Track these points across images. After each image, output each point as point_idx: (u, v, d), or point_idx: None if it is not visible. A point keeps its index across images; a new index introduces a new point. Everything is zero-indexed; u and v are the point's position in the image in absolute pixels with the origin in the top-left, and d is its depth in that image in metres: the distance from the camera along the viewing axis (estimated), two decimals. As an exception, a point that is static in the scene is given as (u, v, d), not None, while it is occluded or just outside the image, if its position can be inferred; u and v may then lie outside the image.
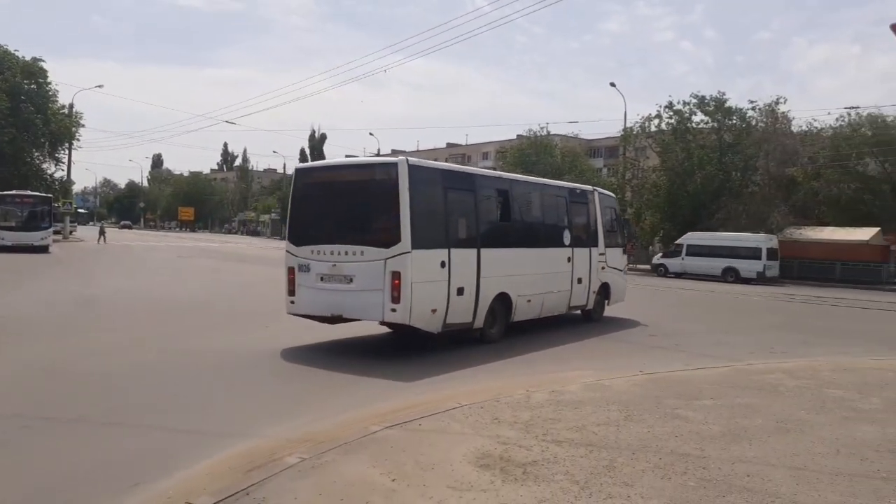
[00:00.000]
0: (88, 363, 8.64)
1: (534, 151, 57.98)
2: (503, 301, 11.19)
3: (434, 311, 9.67)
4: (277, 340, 10.26)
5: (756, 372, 8.81)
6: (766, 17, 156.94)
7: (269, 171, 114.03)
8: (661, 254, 36.35)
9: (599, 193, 14.99)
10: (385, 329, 11.11)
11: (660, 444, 5.48)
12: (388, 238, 9.28)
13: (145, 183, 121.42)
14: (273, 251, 36.76)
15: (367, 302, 9.41)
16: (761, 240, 31.42)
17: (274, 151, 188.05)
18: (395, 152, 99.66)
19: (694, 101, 37.90)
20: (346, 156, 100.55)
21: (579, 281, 13.58)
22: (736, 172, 37.43)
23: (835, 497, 4.46)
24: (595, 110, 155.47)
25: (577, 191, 14.53)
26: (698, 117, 38.26)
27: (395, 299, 9.17)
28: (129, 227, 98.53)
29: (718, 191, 35.82)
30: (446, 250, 9.88)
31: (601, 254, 14.44)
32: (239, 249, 45.54)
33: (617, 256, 15.30)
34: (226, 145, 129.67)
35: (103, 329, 11.31)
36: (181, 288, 19.09)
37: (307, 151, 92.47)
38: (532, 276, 12.00)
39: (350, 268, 9.52)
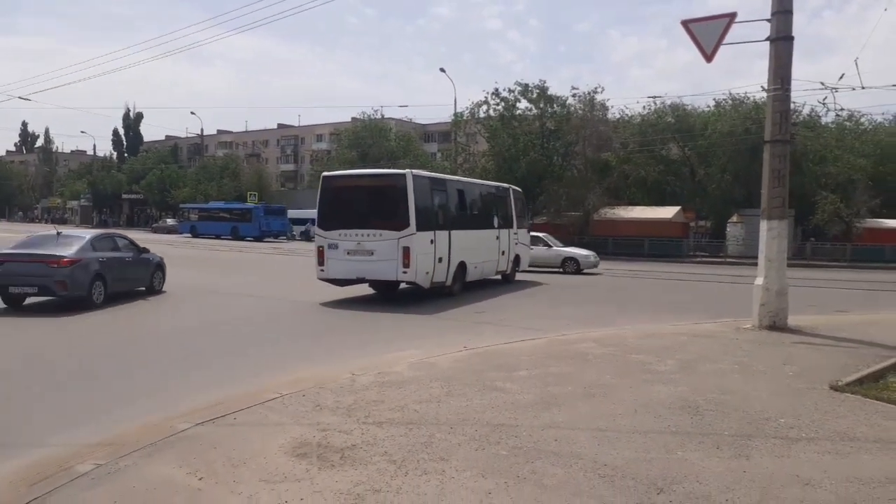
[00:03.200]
0: None
1: (369, 135, 57.77)
2: (462, 267, 16.03)
3: (427, 273, 14.41)
4: (70, 336, 9.35)
5: (570, 342, 9.40)
6: (586, 10, 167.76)
7: (78, 153, 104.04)
8: None
9: (513, 189, 20.48)
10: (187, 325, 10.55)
11: (477, 417, 5.65)
12: (400, 225, 13.96)
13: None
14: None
15: (385, 268, 14.07)
16: None
17: (82, 132, 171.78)
18: (220, 133, 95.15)
19: (518, 88, 39.40)
20: (166, 136, 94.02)
21: (503, 253, 18.71)
22: (557, 157, 39.65)
23: (631, 453, 4.84)
24: (429, 94, 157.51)
25: (501, 188, 20.19)
26: (523, 104, 39.85)
27: (406, 265, 13.90)
28: None
29: (542, 175, 37.75)
30: (433, 232, 14.61)
31: (515, 233, 19.57)
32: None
33: (524, 235, 20.60)
34: (24, 124, 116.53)
35: None
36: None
37: (121, 132, 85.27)
38: (478, 249, 17.00)
39: (371, 245, 14.14)
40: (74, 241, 13.50)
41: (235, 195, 59.53)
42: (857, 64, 27.49)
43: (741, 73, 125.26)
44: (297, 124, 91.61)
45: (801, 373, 7.48)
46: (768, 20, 10.53)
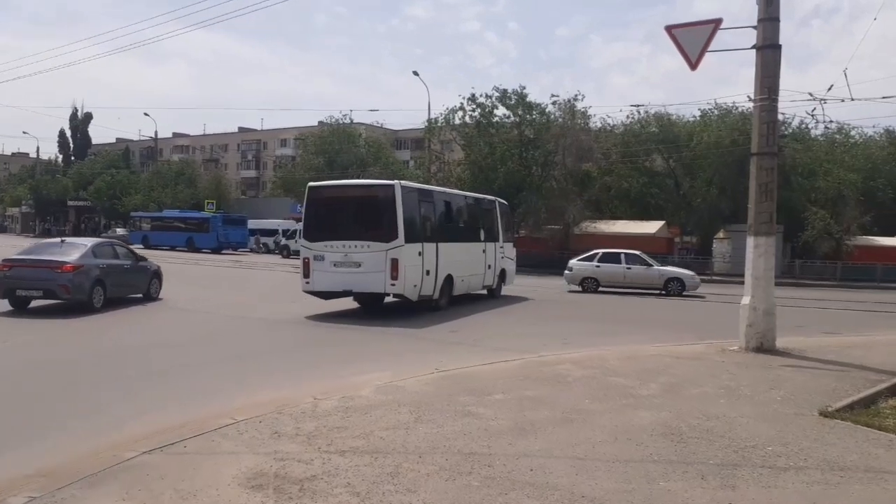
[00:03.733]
0: None
1: (337, 140, 57.69)
2: (449, 281, 16.57)
3: (415, 286, 15.01)
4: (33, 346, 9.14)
5: (547, 364, 9.42)
6: (567, 14, 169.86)
7: (20, 156, 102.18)
8: None
9: (499, 202, 21.07)
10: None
11: (448, 444, 5.61)
12: (388, 236, 14.50)
13: None
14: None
15: (373, 280, 14.57)
16: None
17: (24, 132, 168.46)
18: (176, 136, 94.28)
19: (496, 94, 39.60)
20: (117, 139, 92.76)
21: (489, 267, 19.33)
22: (536, 168, 39.86)
23: (611, 484, 4.84)
24: (402, 99, 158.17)
25: (487, 200, 20.87)
26: (500, 111, 40.03)
27: (394, 277, 14.44)
28: None
29: (520, 186, 37.88)
30: (421, 244, 15.21)
31: (501, 247, 20.29)
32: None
33: (510, 249, 21.33)
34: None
35: None
36: None
37: (68, 133, 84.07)
38: (465, 262, 17.56)
39: (359, 256, 14.62)
40: (77, 248, 15.42)
41: (192, 203, 58.96)
42: (846, 75, 28.31)
43: (728, 82, 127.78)
44: (259, 128, 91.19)
45: (789, 398, 7.58)
46: (754, 27, 10.76)
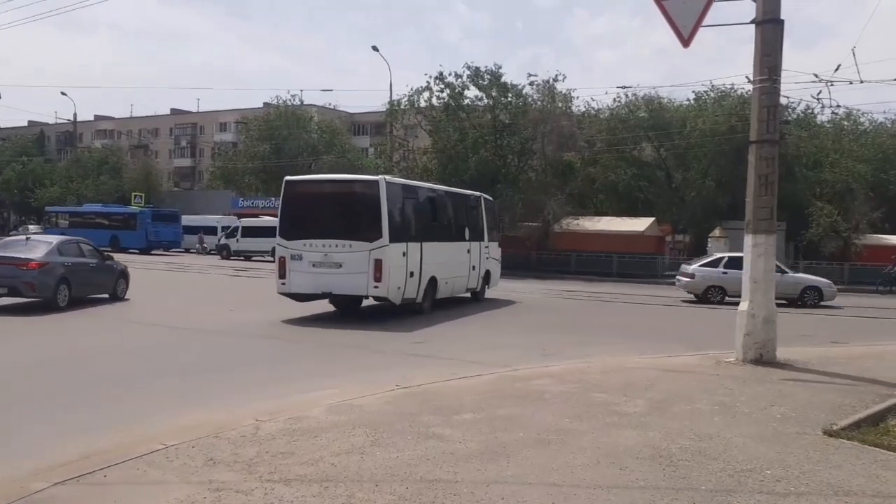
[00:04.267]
0: None
1: (285, 124, 57.35)
2: (433, 283, 17.27)
3: (399, 288, 15.68)
4: None
5: (522, 378, 9.47)
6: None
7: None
8: None
9: (484, 198, 21.87)
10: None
11: (408, 471, 5.61)
12: (372, 235, 15.09)
13: None
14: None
15: (355, 282, 15.21)
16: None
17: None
18: (98, 119, 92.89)
19: (467, 72, 39.48)
20: (29, 122, 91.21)
21: (473, 268, 20.08)
22: (512, 157, 39.97)
23: (591, 513, 4.88)
24: (359, 78, 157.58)
25: (472, 196, 21.48)
26: (472, 92, 39.95)
27: (378, 279, 15.03)
28: None
29: (495, 177, 37.80)
30: (405, 244, 15.87)
31: (486, 247, 21.04)
32: None
33: (494, 249, 22.11)
34: None
35: None
36: None
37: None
38: (449, 264, 18.36)
39: (340, 257, 15.19)
40: (42, 245, 16.88)
41: (117, 196, 58.16)
42: (854, 54, 28.70)
43: (726, 61, 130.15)
44: (195, 110, 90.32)
45: (790, 415, 7.72)
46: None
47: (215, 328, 14.35)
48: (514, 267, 33.08)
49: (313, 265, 15.33)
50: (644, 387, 9.02)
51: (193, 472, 5.56)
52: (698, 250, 38.76)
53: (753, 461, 6.04)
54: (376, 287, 15.14)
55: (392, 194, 15.72)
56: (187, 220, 50.46)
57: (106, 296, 18.29)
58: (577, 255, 36.67)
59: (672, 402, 8.23)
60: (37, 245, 16.82)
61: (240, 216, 49.64)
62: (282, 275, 15.65)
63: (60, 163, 76.96)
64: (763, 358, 10.75)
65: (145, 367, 10.66)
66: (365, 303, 16.87)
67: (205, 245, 48.96)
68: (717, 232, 37.34)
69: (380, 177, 16.27)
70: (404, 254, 15.81)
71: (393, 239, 15.29)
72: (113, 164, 66.22)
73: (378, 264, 14.99)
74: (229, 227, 46.53)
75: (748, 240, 11.08)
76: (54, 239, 18.18)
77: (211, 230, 49.26)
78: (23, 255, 15.90)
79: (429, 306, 17.22)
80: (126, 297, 18.91)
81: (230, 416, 7.37)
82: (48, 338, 13.32)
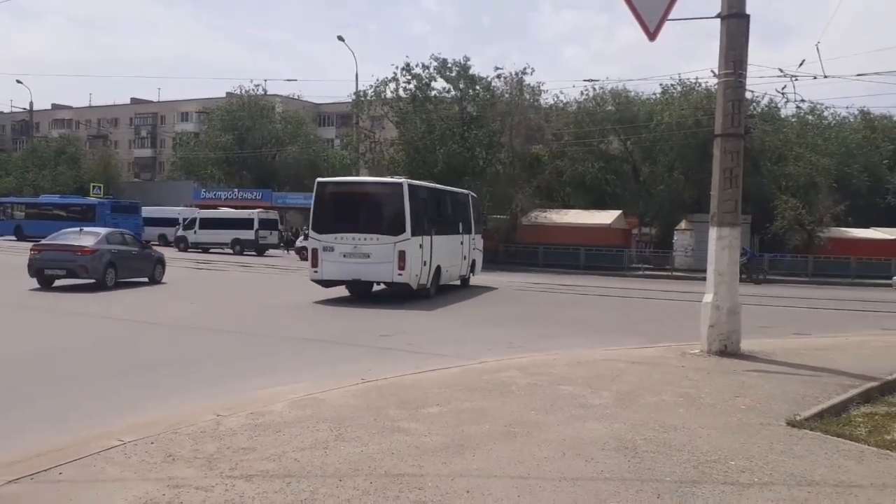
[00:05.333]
0: None
1: (248, 115, 56.84)
2: (438, 271, 19.82)
3: (416, 275, 18.27)
4: None
5: (489, 371, 9.48)
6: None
7: None
8: (303, 237, 36.20)
9: (471, 195, 24.83)
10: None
11: (373, 466, 5.58)
12: (397, 229, 17.86)
13: None
14: None
15: (381, 270, 17.87)
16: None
17: None
18: (56, 108, 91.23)
19: (434, 64, 39.40)
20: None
21: (464, 258, 22.68)
22: (480, 150, 39.91)
23: (557, 505, 4.90)
24: (324, 69, 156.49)
25: (463, 193, 24.20)
26: (439, 84, 39.84)
27: (401, 268, 17.69)
28: None
29: (463, 170, 37.71)
30: (421, 237, 18.38)
31: (473, 238, 23.70)
32: None
33: (479, 240, 24.81)
34: None
35: None
36: None
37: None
38: (449, 253, 20.90)
39: (368, 248, 17.84)
40: (92, 235, 20.56)
41: (75, 187, 57.21)
42: (818, 49, 28.98)
43: (693, 56, 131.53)
44: (155, 99, 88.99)
45: (754, 406, 7.82)
46: (720, -6, 11.03)
47: (177, 323, 14.20)
48: (483, 260, 33.13)
49: (344, 255, 17.90)
50: (610, 379, 9.08)
51: (151, 469, 5.48)
52: (664, 243, 39.26)
53: (718, 452, 6.11)
54: (400, 274, 17.76)
55: (412, 194, 18.31)
56: (148, 211, 49.65)
57: (146, 279, 21.63)
58: (545, 248, 36.88)
59: (637, 394, 8.30)
60: (88, 235, 20.50)
61: (201, 207, 49.02)
62: (314, 264, 18.24)
63: (15, 153, 75.47)
64: (727, 349, 10.89)
65: (99, 362, 10.50)
66: (375, 287, 19.55)
67: (175, 238, 47.98)
68: (682, 225, 37.83)
69: (403, 179, 19.11)
70: (421, 246, 18.31)
71: (413, 233, 17.93)
72: (71, 154, 65.14)
73: (402, 255, 17.62)
74: (187, 218, 45.86)
75: (713, 232, 11.20)
76: (102, 230, 22.17)
77: (172, 222, 48.56)
78: (77, 243, 19.56)
79: (434, 291, 19.60)
80: (163, 280, 22.17)
81: (189, 411, 7.28)
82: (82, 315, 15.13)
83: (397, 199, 18.04)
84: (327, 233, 18.18)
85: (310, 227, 19.18)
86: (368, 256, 17.78)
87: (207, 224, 43.05)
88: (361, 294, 19.36)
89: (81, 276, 19.30)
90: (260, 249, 42.61)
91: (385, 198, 18.79)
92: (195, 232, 43.57)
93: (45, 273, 19.39)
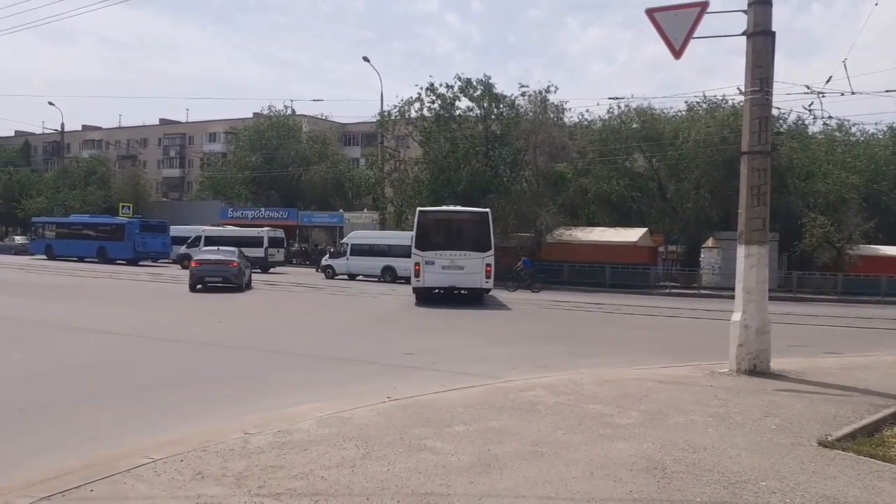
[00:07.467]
0: None
1: (275, 135, 57.33)
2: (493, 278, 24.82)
3: (491, 282, 24.06)
4: None
5: (515, 389, 9.44)
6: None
7: None
8: (328, 255, 40.86)
9: (489, 213, 26.30)
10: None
11: (400, 485, 5.58)
12: (484, 248, 23.78)
13: None
14: None
15: (472, 279, 23.66)
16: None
17: None
18: (86, 129, 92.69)
19: (458, 83, 39.70)
20: (16, 132, 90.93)
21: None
22: (504, 168, 40.03)
23: (585, 526, 4.86)
24: (350, 89, 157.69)
25: (486, 213, 26.12)
26: (463, 103, 40.12)
27: (488, 276, 23.75)
28: None
29: (487, 188, 37.82)
30: (491, 252, 24.00)
31: (491, 254, 25.81)
32: None
33: (491, 257, 27.63)
34: None
35: None
36: None
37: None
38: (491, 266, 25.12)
39: (462, 262, 23.54)
40: (233, 253, 28.93)
41: (104, 207, 57.94)
42: (845, 66, 28.89)
43: (718, 73, 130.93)
44: (184, 120, 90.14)
45: (785, 426, 7.72)
46: (745, 11, 11.02)
47: (196, 340, 14.29)
48: (507, 278, 33.13)
49: (443, 268, 23.41)
50: (638, 398, 9.01)
51: (181, 487, 5.52)
52: (691, 261, 38.97)
53: (748, 473, 6.04)
54: (486, 282, 23.81)
55: (491, 221, 24.28)
56: (175, 230, 50.13)
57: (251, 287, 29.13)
58: (570, 266, 36.71)
59: (666, 413, 8.22)
60: (230, 253, 28.68)
61: (219, 225, 49.47)
62: (417, 274, 23.69)
63: (47, 173, 76.67)
64: (757, 368, 10.77)
65: (127, 378, 10.60)
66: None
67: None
68: (709, 242, 37.52)
69: (487, 210, 25.65)
70: (490, 258, 23.71)
71: (491, 250, 23.68)
72: (101, 174, 65.95)
73: (488, 267, 23.63)
74: (191, 236, 45.78)
75: (741, 250, 11.11)
76: (235, 249, 29.92)
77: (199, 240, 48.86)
78: (228, 259, 27.87)
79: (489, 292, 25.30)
80: (252, 286, 29.33)
81: (217, 429, 7.32)
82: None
83: (484, 223, 24.07)
84: (428, 250, 23.49)
85: (413, 245, 24.10)
86: (462, 268, 23.34)
87: (212, 242, 43.01)
88: (429, 297, 24.23)
89: (232, 283, 26.85)
90: (266, 267, 42.63)
91: (474, 223, 24.47)
92: (200, 250, 43.59)
93: (205, 281, 26.85)
